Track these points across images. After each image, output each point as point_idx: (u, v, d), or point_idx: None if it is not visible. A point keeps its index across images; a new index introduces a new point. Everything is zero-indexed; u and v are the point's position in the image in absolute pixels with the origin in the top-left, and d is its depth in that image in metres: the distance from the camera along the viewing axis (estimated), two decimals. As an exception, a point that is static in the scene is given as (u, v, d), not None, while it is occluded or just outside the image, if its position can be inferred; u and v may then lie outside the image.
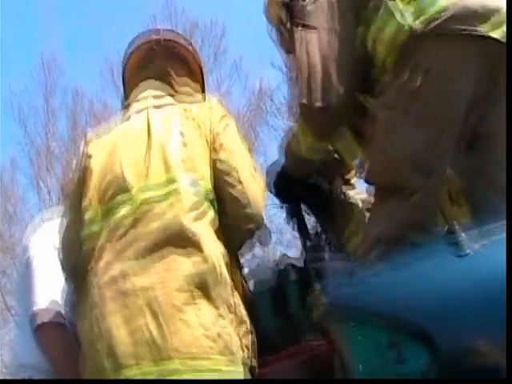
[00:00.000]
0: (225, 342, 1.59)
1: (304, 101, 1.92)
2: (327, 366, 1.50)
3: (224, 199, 1.76)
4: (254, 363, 1.67)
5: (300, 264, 2.01)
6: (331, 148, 2.15)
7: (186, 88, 2.00)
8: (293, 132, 2.14)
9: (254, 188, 1.78)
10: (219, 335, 1.58)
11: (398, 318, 1.08)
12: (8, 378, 1.99)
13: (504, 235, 1.11)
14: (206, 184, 1.74)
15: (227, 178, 1.75)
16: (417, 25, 1.73)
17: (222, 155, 1.78)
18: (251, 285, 1.90)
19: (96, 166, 1.81)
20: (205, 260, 1.63)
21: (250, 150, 1.92)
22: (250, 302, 1.78)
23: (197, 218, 1.68)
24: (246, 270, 1.95)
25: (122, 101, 2.06)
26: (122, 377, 1.54)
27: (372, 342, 1.11)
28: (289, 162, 2.20)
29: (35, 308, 2.01)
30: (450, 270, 1.12)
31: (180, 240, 1.64)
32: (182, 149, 1.77)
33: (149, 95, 1.95)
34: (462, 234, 1.12)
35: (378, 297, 1.14)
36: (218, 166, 1.77)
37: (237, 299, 1.69)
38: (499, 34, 1.73)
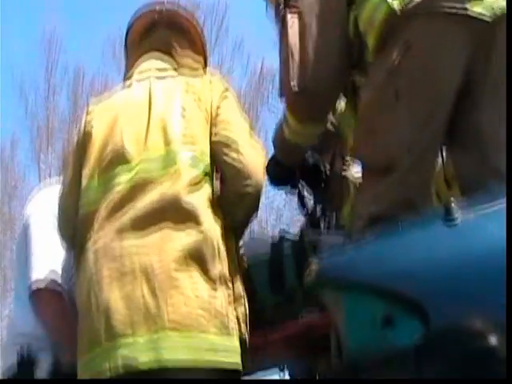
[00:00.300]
0: (220, 315, 1.59)
1: (284, 85, 1.94)
2: (323, 340, 1.51)
3: (224, 173, 1.76)
4: (246, 335, 1.68)
5: (297, 239, 2.02)
6: (319, 131, 2.12)
7: (188, 61, 1.99)
8: (280, 117, 2.15)
9: (254, 161, 1.77)
10: (215, 309, 1.59)
11: (391, 289, 1.09)
12: (8, 378, 2.00)
13: (495, 208, 1.11)
14: (205, 158, 1.74)
15: (227, 151, 1.75)
16: (396, 4, 1.73)
17: (222, 128, 1.78)
18: (247, 258, 1.90)
19: (97, 135, 1.80)
20: (202, 234, 1.63)
21: (251, 127, 1.91)
22: (246, 276, 1.78)
23: (195, 192, 1.68)
24: (242, 244, 1.95)
25: (125, 73, 2.05)
26: (117, 345, 1.54)
27: (365, 313, 1.11)
28: (277, 148, 2.20)
29: (32, 274, 2.01)
30: (441, 240, 1.12)
31: (177, 213, 1.64)
32: (182, 123, 1.77)
33: (151, 67, 1.95)
34: (453, 205, 1.12)
35: (369, 266, 1.14)
36: (218, 139, 1.77)
37: (234, 274, 1.69)
38: (481, 10, 1.72)
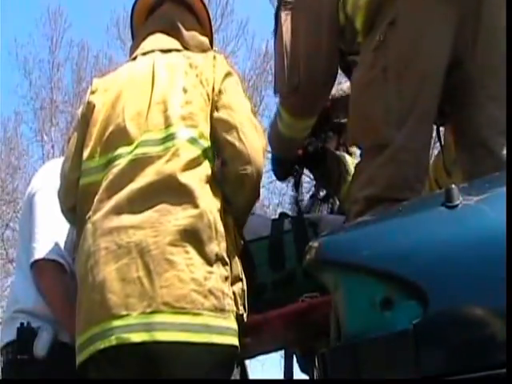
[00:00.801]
0: (216, 298, 1.59)
1: (278, 82, 1.99)
2: (322, 320, 1.51)
3: (224, 155, 1.75)
4: (244, 314, 1.68)
5: (297, 217, 2.02)
6: (311, 124, 2.16)
7: (194, 41, 1.98)
8: (274, 112, 2.20)
9: (255, 145, 1.76)
10: (211, 291, 1.58)
11: (391, 271, 1.08)
12: (8, 378, 2.02)
13: (496, 193, 1.10)
14: (205, 141, 1.74)
15: (227, 136, 1.74)
16: None
17: (223, 112, 1.78)
18: (247, 236, 1.90)
19: (100, 112, 1.81)
20: (198, 212, 1.63)
21: (252, 111, 1.91)
22: (246, 253, 1.78)
23: (193, 172, 1.68)
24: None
25: (130, 53, 2.03)
26: (112, 326, 1.56)
27: (364, 294, 1.11)
28: (273, 143, 2.24)
29: (35, 246, 2.02)
30: (441, 223, 1.11)
31: (176, 195, 1.65)
32: (183, 105, 1.76)
33: (156, 48, 1.94)
34: (454, 188, 1.11)
35: (369, 248, 1.13)
36: (220, 121, 1.77)
37: (231, 253, 1.69)
38: None
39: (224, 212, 1.71)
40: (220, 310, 1.58)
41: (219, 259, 1.63)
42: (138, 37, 2.04)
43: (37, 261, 2.01)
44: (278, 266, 1.88)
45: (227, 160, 1.75)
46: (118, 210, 1.65)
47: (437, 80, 1.74)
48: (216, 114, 1.77)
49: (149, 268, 1.57)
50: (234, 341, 1.61)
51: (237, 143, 1.73)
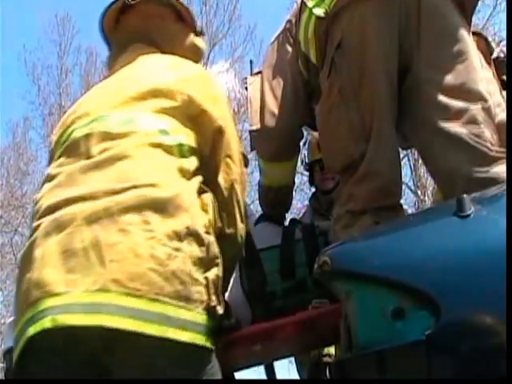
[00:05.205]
0: (182, 283, 1.28)
1: (250, 128, 2.07)
2: (333, 329, 1.51)
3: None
4: (218, 307, 1.36)
5: (308, 225, 2.02)
6: (287, 170, 2.21)
7: (176, 47, 1.75)
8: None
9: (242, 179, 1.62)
10: (174, 274, 1.27)
11: (402, 281, 1.08)
12: (8, 378, 1.95)
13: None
14: (178, 134, 1.50)
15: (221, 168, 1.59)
16: (322, 12, 1.80)
17: (215, 139, 1.57)
18: (259, 244, 1.90)
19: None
20: (166, 186, 1.37)
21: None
22: (256, 262, 1.78)
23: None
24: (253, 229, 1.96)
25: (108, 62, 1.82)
26: (47, 306, 1.25)
27: (376, 305, 1.10)
28: (263, 202, 2.29)
29: None
30: (453, 233, 1.11)
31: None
32: (158, 107, 1.51)
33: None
34: (465, 198, 1.11)
35: (380, 258, 1.13)
36: (213, 152, 1.57)
37: (208, 229, 1.40)
38: None
39: (200, 190, 1.46)
40: (185, 298, 1.27)
41: (191, 235, 1.33)
42: (114, 47, 1.82)
43: None
44: (289, 274, 1.88)
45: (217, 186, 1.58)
46: (68, 183, 1.40)
47: (391, 88, 1.78)
48: (205, 140, 1.58)
49: (97, 238, 1.27)
50: (198, 339, 1.29)
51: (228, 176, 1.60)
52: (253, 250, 1.79)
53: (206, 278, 1.34)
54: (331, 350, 2.52)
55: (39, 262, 1.30)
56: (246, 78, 2.22)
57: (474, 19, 2.00)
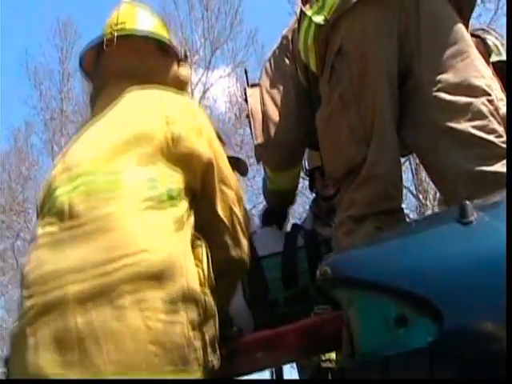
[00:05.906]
0: (179, 348, 1.27)
1: (255, 142, 2.08)
2: (335, 337, 1.51)
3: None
4: (214, 362, 1.39)
5: (310, 233, 2.02)
6: (292, 176, 2.25)
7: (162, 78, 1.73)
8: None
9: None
10: (172, 341, 1.26)
11: (404, 289, 1.08)
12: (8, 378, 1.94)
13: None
14: (167, 182, 1.47)
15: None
16: (322, 19, 1.79)
17: (214, 182, 1.59)
18: (260, 251, 1.90)
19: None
20: (156, 253, 1.32)
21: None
22: (258, 270, 1.78)
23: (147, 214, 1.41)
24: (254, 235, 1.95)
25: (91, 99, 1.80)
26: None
27: (378, 312, 1.10)
28: (267, 198, 2.39)
29: None
30: (455, 240, 1.10)
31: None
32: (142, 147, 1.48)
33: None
34: (468, 205, 1.10)
35: (382, 266, 1.13)
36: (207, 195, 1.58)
37: (204, 285, 1.40)
38: None
39: (193, 240, 1.46)
40: (184, 362, 1.27)
41: (188, 298, 1.32)
42: (96, 82, 1.79)
43: None
44: (291, 282, 1.87)
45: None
46: (56, 250, 1.35)
47: (392, 91, 1.78)
48: (201, 181, 1.59)
49: (91, 320, 1.24)
50: None
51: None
52: (254, 258, 1.79)
53: (204, 340, 1.34)
54: (332, 355, 2.51)
55: (33, 352, 1.26)
56: (245, 89, 2.22)
57: (476, 24, 1.99)
